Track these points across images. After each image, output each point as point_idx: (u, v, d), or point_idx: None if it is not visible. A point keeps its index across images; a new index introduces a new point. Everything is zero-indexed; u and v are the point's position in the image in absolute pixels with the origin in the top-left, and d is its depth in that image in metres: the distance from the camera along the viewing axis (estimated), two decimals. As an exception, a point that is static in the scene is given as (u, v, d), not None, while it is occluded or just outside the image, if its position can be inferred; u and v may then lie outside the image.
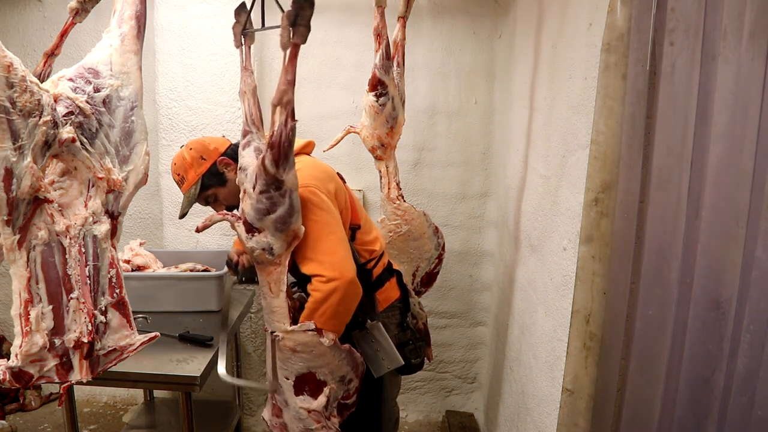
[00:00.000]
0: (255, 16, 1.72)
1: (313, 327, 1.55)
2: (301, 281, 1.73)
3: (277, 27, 1.35)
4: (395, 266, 1.94)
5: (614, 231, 1.27)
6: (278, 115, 1.40)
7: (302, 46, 1.37)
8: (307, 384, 1.63)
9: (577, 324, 1.35)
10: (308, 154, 1.87)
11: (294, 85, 1.38)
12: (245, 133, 1.68)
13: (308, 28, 1.33)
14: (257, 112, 1.68)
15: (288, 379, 1.63)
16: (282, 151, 1.42)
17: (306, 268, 1.59)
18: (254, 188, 1.49)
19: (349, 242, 1.74)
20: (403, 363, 1.76)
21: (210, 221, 1.61)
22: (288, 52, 1.34)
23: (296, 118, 1.42)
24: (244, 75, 1.70)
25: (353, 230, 1.79)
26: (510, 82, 2.47)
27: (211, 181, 1.83)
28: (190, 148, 1.84)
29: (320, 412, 1.63)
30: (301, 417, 1.63)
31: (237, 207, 1.62)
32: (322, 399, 1.62)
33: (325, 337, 1.56)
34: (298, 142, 1.81)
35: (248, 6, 1.70)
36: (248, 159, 1.60)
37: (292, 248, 1.56)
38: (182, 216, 1.89)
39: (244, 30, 1.70)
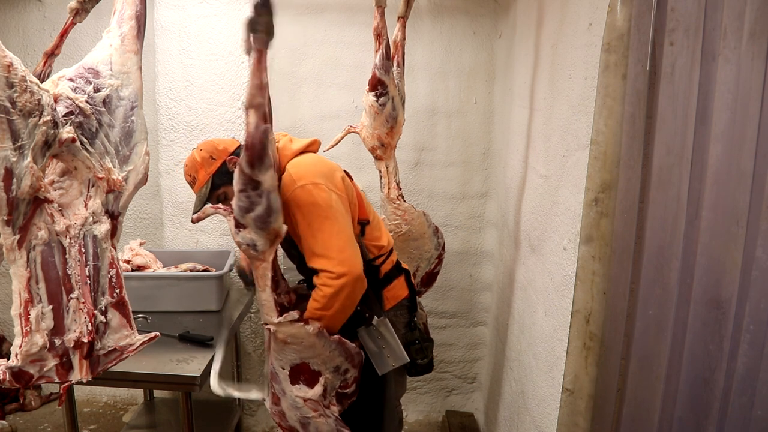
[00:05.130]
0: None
1: (297, 317, 1.57)
2: (309, 278, 1.73)
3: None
4: (404, 265, 1.94)
5: (614, 231, 1.27)
6: (251, 117, 1.41)
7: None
8: (302, 374, 1.66)
9: (577, 324, 1.35)
10: (314, 152, 1.87)
11: (263, 89, 1.39)
12: None
13: (268, 34, 1.33)
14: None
15: (284, 369, 1.66)
16: (255, 153, 1.42)
17: (314, 263, 1.60)
18: (236, 186, 1.51)
19: (358, 237, 1.75)
20: (409, 360, 1.77)
21: (204, 214, 1.65)
22: (253, 57, 1.35)
23: (268, 122, 1.43)
24: None
25: (362, 225, 1.80)
26: (510, 82, 2.47)
27: (221, 180, 1.84)
28: (200, 149, 1.86)
29: (317, 401, 1.66)
30: (298, 405, 1.66)
31: None
32: (318, 388, 1.65)
33: (310, 325, 1.58)
34: (303, 141, 1.82)
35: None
36: None
37: (275, 246, 1.57)
38: (195, 214, 1.91)
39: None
